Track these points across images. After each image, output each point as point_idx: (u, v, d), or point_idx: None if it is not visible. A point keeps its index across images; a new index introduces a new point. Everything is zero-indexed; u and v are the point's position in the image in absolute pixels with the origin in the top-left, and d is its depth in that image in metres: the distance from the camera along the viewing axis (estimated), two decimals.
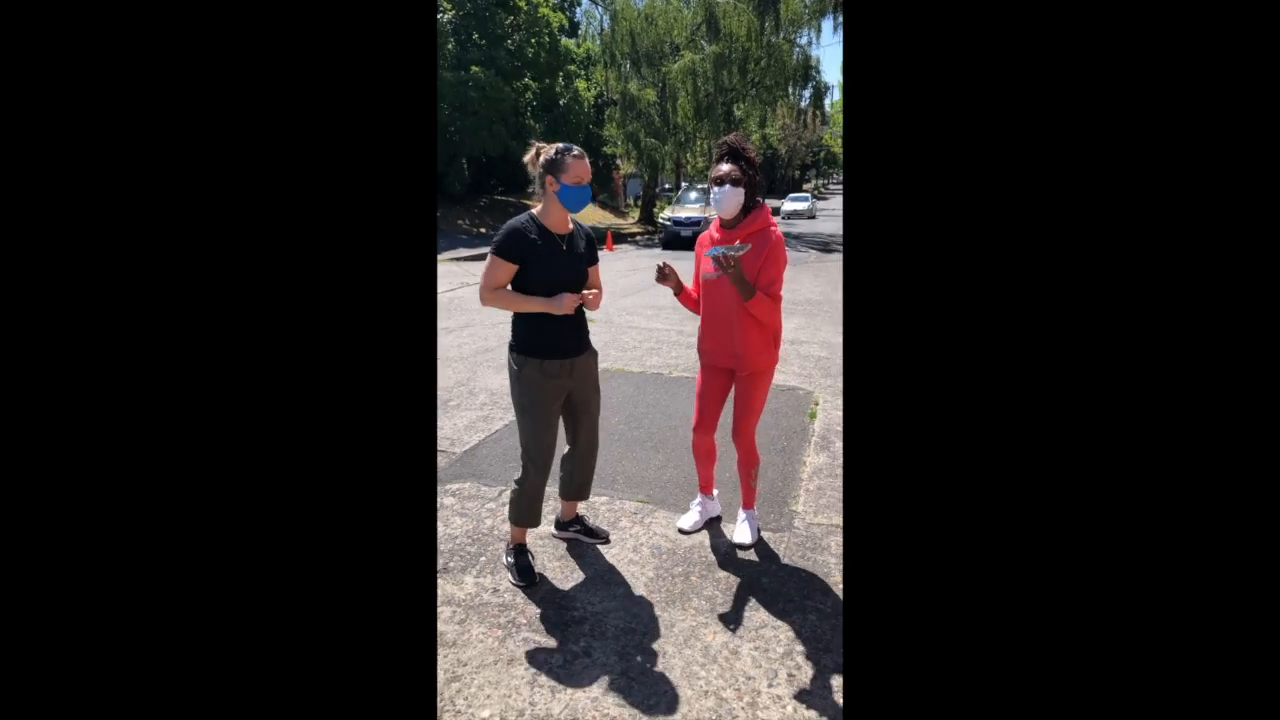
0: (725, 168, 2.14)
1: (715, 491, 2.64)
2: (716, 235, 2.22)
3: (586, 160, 2.01)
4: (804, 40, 19.52)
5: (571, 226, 2.09)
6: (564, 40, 18.79)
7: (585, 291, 2.06)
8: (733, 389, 2.36)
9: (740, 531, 2.44)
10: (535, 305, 2.00)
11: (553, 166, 1.97)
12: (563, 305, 2.00)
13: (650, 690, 1.72)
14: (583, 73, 19.46)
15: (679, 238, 13.94)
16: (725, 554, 2.38)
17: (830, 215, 24.84)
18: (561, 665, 1.80)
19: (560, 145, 2.00)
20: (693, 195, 15.76)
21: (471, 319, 6.27)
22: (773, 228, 2.16)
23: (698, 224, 13.72)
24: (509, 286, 2.03)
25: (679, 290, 2.31)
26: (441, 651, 1.85)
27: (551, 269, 2.01)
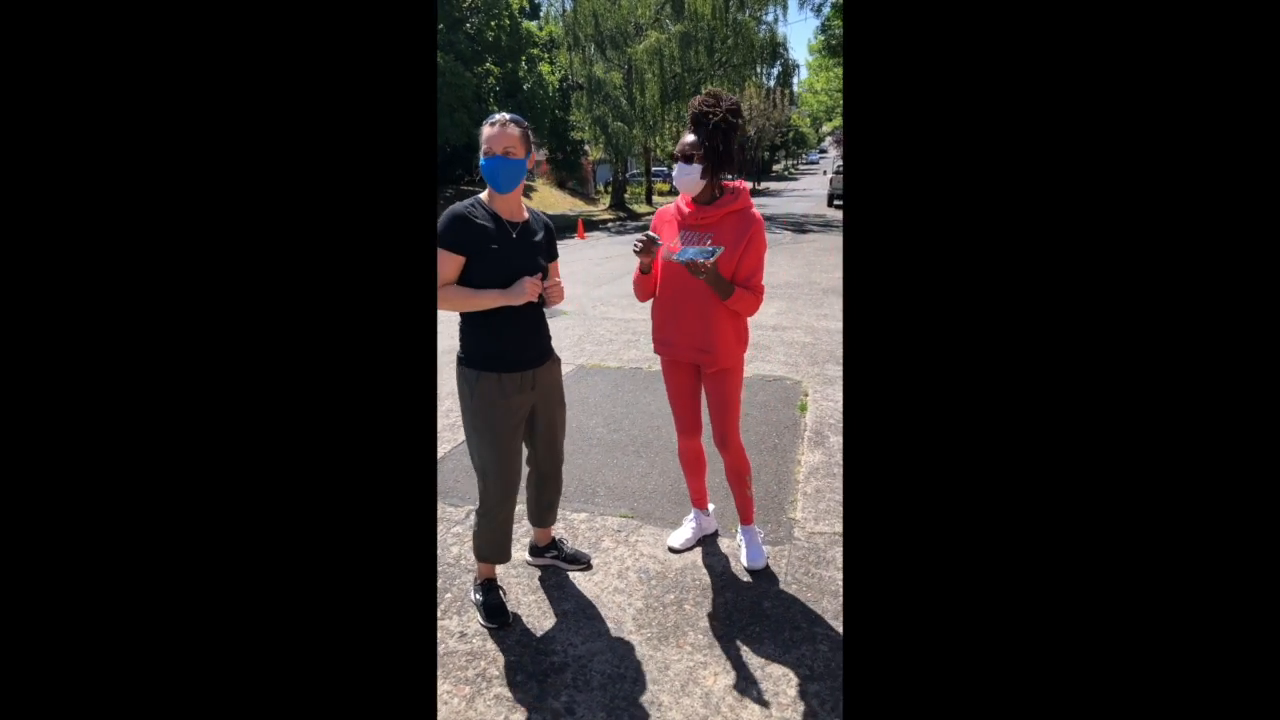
0: (687, 139, 1.82)
1: (712, 506, 2.38)
2: (687, 209, 1.90)
3: (508, 129, 1.67)
4: (770, 18, 19.20)
5: (527, 215, 1.81)
6: (525, 22, 18.20)
7: (545, 280, 1.76)
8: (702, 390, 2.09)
9: (748, 555, 2.17)
10: (490, 300, 1.70)
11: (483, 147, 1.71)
12: (522, 292, 1.69)
13: None
14: (546, 56, 18.88)
15: None
16: (721, 575, 2.14)
17: (801, 195, 24.65)
18: None
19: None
20: None
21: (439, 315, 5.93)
22: (751, 209, 1.87)
23: None
24: (457, 284, 1.72)
25: (647, 270, 1.96)
26: None
27: (503, 260, 1.71)
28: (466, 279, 1.71)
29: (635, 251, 1.88)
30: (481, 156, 1.71)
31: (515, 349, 1.78)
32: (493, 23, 16.59)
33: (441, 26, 15.58)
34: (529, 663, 1.76)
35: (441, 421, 3.48)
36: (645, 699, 1.63)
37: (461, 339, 1.79)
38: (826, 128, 53.87)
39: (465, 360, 1.78)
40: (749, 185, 1.95)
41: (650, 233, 1.89)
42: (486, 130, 1.69)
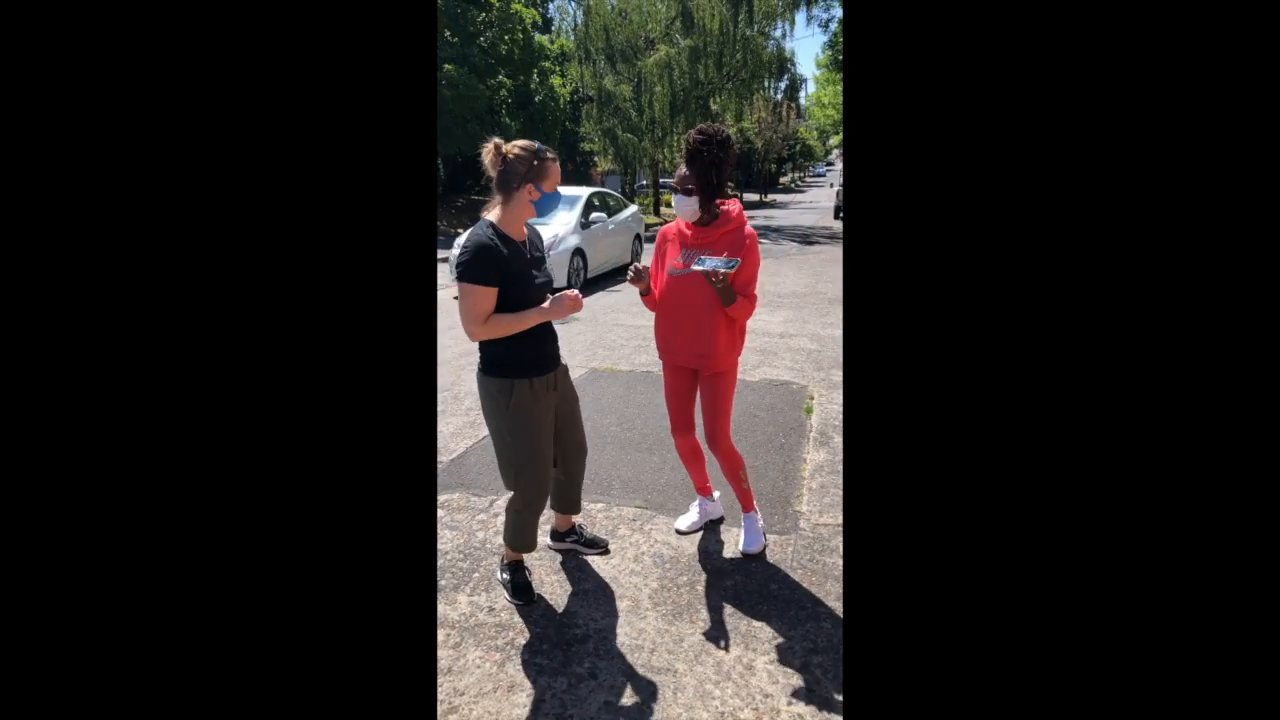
0: (682, 172, 2.05)
1: (716, 493, 2.53)
2: (687, 231, 2.12)
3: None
4: (778, 33, 19.46)
5: (526, 231, 1.93)
6: (538, 36, 18.52)
7: (572, 292, 1.90)
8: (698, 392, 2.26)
9: (746, 540, 2.33)
10: (534, 319, 1.80)
11: (535, 174, 1.79)
12: (563, 307, 1.82)
13: (663, 714, 1.61)
14: (557, 69, 19.20)
15: None
16: (730, 560, 2.28)
17: (808, 208, 24.85)
18: (566, 689, 1.69)
19: (534, 147, 1.80)
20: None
21: (454, 321, 6.09)
22: (745, 227, 2.08)
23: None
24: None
25: (647, 292, 2.18)
26: (437, 679, 1.72)
27: (525, 281, 1.82)
28: (499, 303, 1.79)
29: (629, 281, 2.11)
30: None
31: (542, 355, 1.90)
32: (506, 36, 16.91)
33: (456, 39, 15.90)
34: (554, 634, 1.91)
35: (462, 419, 3.63)
36: (662, 666, 1.77)
37: (487, 351, 1.87)
38: (833, 141, 54.19)
39: (495, 371, 1.86)
40: (739, 205, 2.14)
41: (638, 265, 2.10)
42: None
